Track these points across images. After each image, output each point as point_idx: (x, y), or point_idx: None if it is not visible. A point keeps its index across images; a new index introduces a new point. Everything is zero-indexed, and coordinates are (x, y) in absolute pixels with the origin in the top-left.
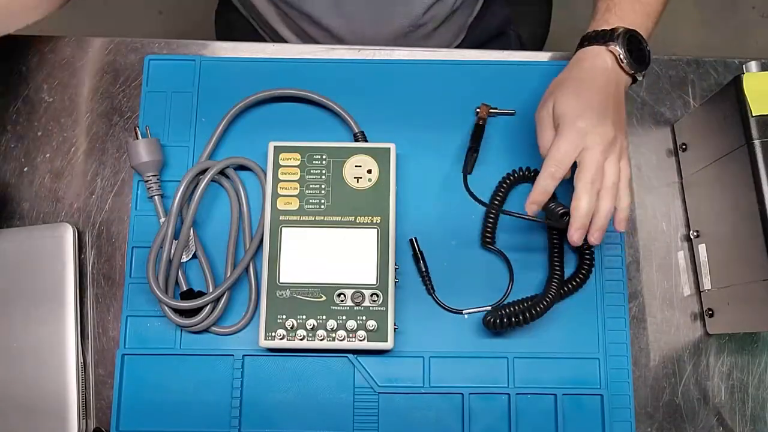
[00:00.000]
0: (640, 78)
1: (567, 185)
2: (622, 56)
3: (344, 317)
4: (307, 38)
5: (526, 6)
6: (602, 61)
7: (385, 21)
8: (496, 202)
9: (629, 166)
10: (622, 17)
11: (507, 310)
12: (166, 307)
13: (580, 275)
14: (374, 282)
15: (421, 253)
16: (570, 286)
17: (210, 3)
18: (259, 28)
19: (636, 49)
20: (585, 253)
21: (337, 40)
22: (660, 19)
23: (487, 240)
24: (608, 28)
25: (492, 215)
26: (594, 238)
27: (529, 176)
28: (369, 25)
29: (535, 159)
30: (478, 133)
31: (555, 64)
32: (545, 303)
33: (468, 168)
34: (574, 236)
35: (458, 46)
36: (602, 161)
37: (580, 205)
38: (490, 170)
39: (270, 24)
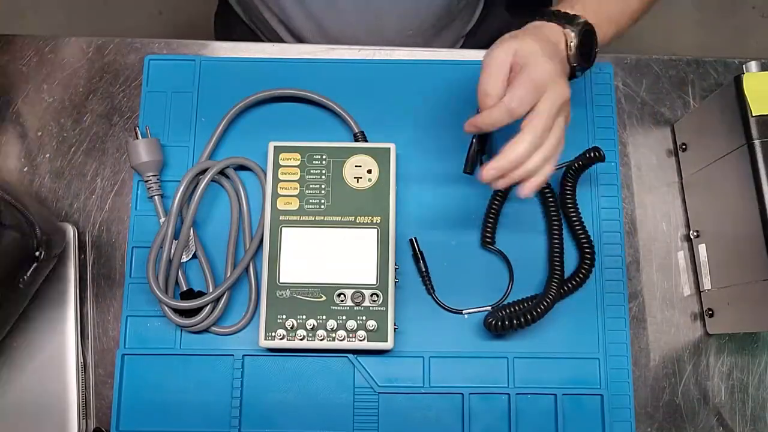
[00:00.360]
0: (578, 74)
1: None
2: (573, 44)
3: (344, 317)
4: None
5: (525, 10)
6: (555, 39)
7: (379, 30)
8: (497, 201)
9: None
10: (586, 10)
11: (508, 311)
12: (166, 307)
13: (581, 274)
14: (374, 282)
15: (421, 253)
16: (570, 285)
17: (210, 3)
18: (258, 30)
19: (587, 44)
20: (585, 251)
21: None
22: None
23: (487, 240)
24: (570, 13)
25: (492, 215)
26: (526, 189)
27: None
28: (365, 34)
29: None
30: (484, 135)
31: None
32: (546, 303)
33: (469, 167)
34: (489, 173)
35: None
36: (556, 116)
37: (518, 148)
38: None
39: (270, 26)
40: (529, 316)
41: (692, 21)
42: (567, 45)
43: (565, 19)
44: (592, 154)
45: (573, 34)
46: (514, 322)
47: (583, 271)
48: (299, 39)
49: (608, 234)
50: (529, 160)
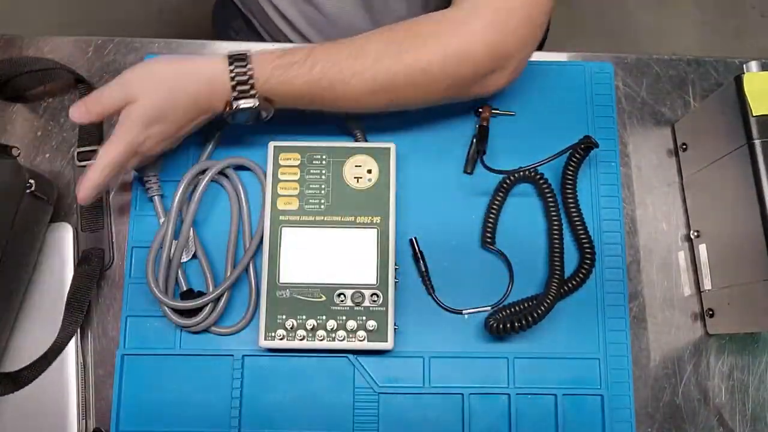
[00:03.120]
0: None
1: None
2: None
3: (344, 317)
4: (307, 33)
5: None
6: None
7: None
8: (497, 201)
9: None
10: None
11: (508, 311)
12: (166, 308)
13: (581, 274)
14: (374, 282)
15: (421, 252)
16: (570, 285)
17: (210, 3)
18: (258, 25)
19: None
20: (585, 251)
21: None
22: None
23: (488, 240)
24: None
25: (492, 215)
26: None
27: (529, 176)
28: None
29: (536, 159)
30: (483, 134)
31: (555, 63)
32: (546, 304)
33: (469, 167)
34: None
35: None
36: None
37: None
38: (489, 173)
39: (272, 21)
40: (530, 318)
41: (692, 21)
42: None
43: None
44: (584, 144)
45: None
46: (516, 324)
47: (583, 270)
48: (294, 28)
49: (608, 234)
50: None
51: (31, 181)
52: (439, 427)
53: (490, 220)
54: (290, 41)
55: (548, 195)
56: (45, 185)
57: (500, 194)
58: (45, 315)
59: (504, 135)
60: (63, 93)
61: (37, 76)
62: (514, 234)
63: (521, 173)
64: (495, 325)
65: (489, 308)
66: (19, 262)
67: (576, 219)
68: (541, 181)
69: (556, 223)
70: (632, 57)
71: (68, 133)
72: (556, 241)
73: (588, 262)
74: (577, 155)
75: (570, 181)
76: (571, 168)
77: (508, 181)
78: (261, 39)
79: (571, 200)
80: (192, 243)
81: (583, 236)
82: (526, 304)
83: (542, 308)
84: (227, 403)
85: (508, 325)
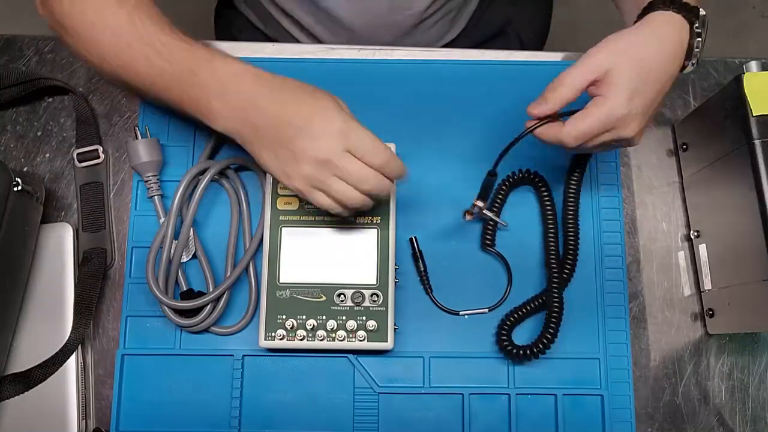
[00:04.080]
0: (689, 68)
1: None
2: (699, 41)
3: (344, 317)
4: (313, 29)
5: (527, 4)
6: (676, 33)
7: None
8: (497, 204)
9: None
10: None
11: (515, 317)
12: (166, 307)
13: (568, 259)
14: (374, 282)
15: (420, 252)
16: (565, 273)
17: (210, 2)
18: (260, 22)
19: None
20: (570, 245)
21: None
22: None
23: (487, 242)
24: (690, 3)
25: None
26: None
27: (528, 178)
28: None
29: (535, 162)
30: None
31: (555, 63)
32: (556, 317)
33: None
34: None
35: (458, 43)
36: (601, 148)
37: (573, 132)
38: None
39: (274, 17)
40: (545, 341)
41: None
42: (691, 35)
43: (685, 9)
44: None
45: (698, 23)
46: (535, 350)
47: (569, 257)
48: (302, 27)
49: (608, 234)
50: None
51: (17, 179)
52: (439, 427)
53: (490, 223)
54: (297, 41)
55: (545, 198)
56: (33, 183)
57: (500, 195)
58: (46, 315)
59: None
60: (63, 93)
61: (25, 87)
62: (513, 237)
63: (521, 175)
64: (514, 351)
65: (486, 310)
66: (12, 262)
67: (570, 224)
68: (540, 184)
69: (552, 228)
70: None
71: (68, 133)
72: (552, 246)
73: (572, 243)
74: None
75: (574, 181)
76: (577, 173)
77: (507, 183)
78: (264, 39)
79: (571, 202)
80: (192, 243)
81: (571, 242)
82: (528, 308)
83: (555, 321)
84: (227, 403)
85: (528, 352)
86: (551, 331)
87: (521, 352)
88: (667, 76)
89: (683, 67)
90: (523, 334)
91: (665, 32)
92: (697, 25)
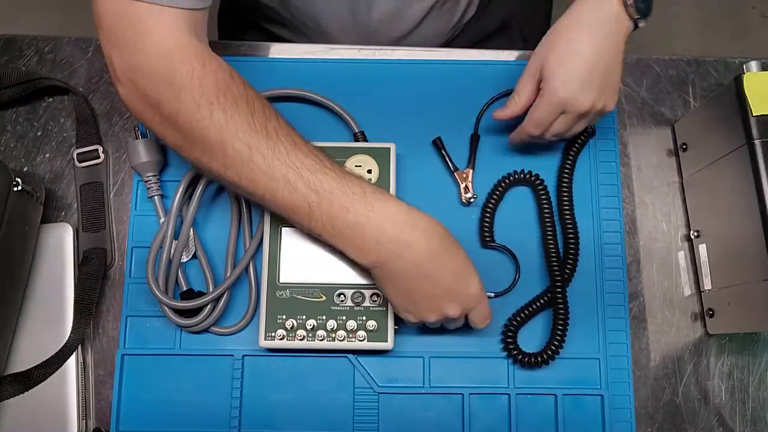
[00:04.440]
0: (641, 25)
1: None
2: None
3: (344, 317)
4: (320, 25)
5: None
6: (607, 6)
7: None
8: (492, 204)
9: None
10: None
11: (520, 318)
12: (166, 307)
13: (569, 259)
14: (374, 282)
15: None
16: (567, 270)
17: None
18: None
19: None
20: (570, 244)
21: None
22: None
23: (487, 238)
24: None
25: (488, 214)
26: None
27: (525, 179)
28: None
29: (533, 162)
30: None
31: None
32: (563, 318)
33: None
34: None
35: (458, 42)
36: (571, 126)
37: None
38: (487, 171)
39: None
40: (555, 344)
41: (692, 21)
42: (624, 2)
43: None
44: (583, 135)
45: None
46: (546, 356)
47: (570, 254)
48: (311, 24)
49: (608, 234)
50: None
51: (17, 179)
52: (439, 427)
53: (487, 218)
54: (307, 36)
55: (543, 199)
56: (33, 183)
57: (496, 195)
58: (46, 315)
59: (503, 135)
60: (63, 93)
61: (25, 87)
62: (511, 231)
63: (518, 175)
64: (525, 358)
65: (492, 294)
66: (12, 262)
67: (568, 221)
68: (538, 185)
69: (550, 228)
70: (632, 57)
71: (68, 133)
72: (552, 247)
73: (572, 243)
74: (578, 143)
75: (567, 170)
76: (570, 157)
77: (504, 183)
78: (269, 39)
79: (565, 196)
80: (192, 243)
81: (571, 243)
82: (532, 308)
83: (563, 321)
84: (227, 403)
85: (539, 359)
86: (558, 336)
87: (531, 359)
88: (598, 44)
89: (636, 25)
90: (526, 336)
91: (591, 5)
92: None
